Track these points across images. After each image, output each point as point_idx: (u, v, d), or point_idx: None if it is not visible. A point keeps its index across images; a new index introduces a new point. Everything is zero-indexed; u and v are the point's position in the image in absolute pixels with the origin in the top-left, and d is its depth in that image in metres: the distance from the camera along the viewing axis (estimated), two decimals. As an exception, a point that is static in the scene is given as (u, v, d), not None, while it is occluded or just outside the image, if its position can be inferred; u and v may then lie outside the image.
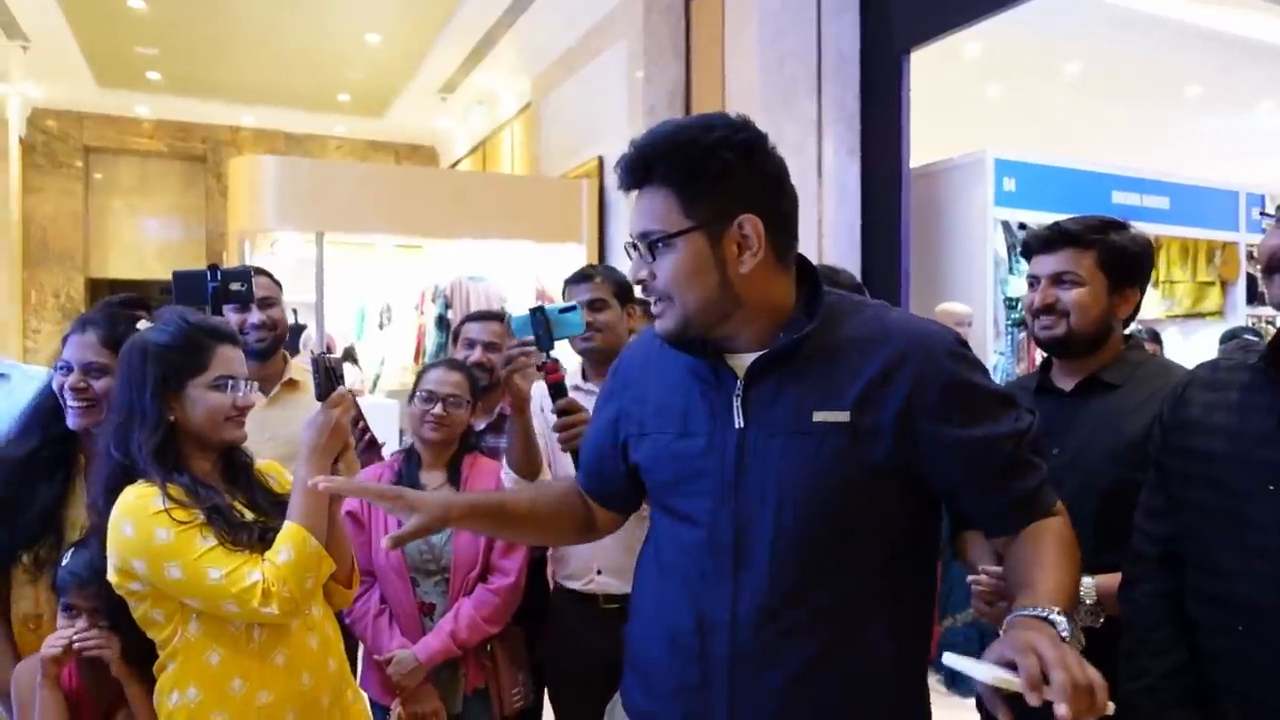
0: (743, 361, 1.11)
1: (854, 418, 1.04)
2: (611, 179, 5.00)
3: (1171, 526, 1.23)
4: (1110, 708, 0.83)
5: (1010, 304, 4.29)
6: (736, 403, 1.09)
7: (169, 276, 1.99)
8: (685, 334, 1.10)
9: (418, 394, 2.05)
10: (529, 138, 6.33)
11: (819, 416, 1.05)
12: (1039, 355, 4.27)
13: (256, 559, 1.35)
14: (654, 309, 1.12)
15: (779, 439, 1.06)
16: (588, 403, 1.73)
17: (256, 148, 8.71)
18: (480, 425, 2.28)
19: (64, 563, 1.47)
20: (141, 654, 1.42)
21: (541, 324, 1.66)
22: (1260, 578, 1.10)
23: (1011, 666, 0.85)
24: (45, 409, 1.60)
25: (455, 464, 2.05)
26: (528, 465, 1.84)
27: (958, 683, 2.73)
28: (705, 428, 1.11)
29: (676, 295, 1.07)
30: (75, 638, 1.41)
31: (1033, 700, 0.82)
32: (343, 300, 5.72)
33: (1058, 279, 1.52)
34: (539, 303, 1.75)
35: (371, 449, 2.24)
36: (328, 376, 1.45)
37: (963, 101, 5.45)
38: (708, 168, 1.04)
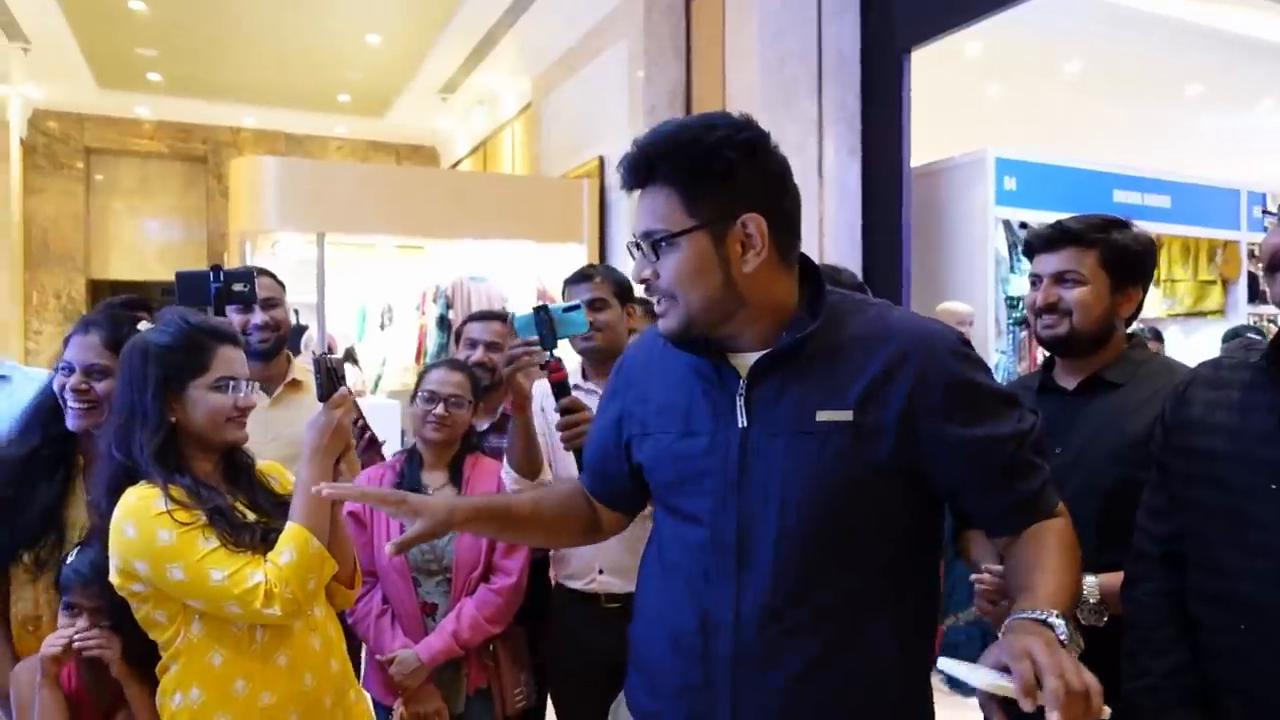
0: (745, 361, 1.11)
1: (857, 417, 1.04)
2: (612, 179, 5.00)
3: (1173, 525, 1.23)
4: (1106, 712, 0.83)
5: (1011, 303, 4.29)
6: (740, 402, 1.09)
7: (170, 277, 1.99)
8: (689, 333, 1.10)
9: (419, 394, 2.05)
10: (530, 138, 6.33)
11: (822, 416, 1.05)
12: (1040, 354, 4.26)
13: (259, 560, 1.35)
14: (657, 308, 1.11)
15: (782, 438, 1.06)
16: (588, 403, 1.73)
17: (257, 148, 8.71)
18: (483, 425, 2.28)
19: (69, 561, 1.47)
20: (142, 655, 1.42)
21: (545, 323, 1.66)
22: (1262, 576, 1.10)
23: (1008, 671, 0.85)
24: (45, 409, 1.60)
25: (457, 464, 2.05)
26: (529, 464, 1.84)
27: (958, 683, 2.72)
28: (708, 427, 1.11)
29: (680, 294, 1.07)
30: (76, 637, 1.41)
31: (1027, 706, 0.82)
32: (344, 301, 5.72)
33: (1060, 278, 1.52)
34: (542, 302, 1.75)
35: (372, 448, 2.24)
36: (329, 377, 1.46)
37: (963, 101, 5.45)
38: (711, 167, 1.04)
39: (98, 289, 8.38)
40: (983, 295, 4.19)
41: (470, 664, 1.98)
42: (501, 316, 2.37)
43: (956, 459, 1.07)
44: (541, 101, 6.01)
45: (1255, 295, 5.33)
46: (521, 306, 1.77)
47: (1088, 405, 1.51)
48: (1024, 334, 4.31)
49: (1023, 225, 4.30)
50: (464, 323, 2.46)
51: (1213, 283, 5.30)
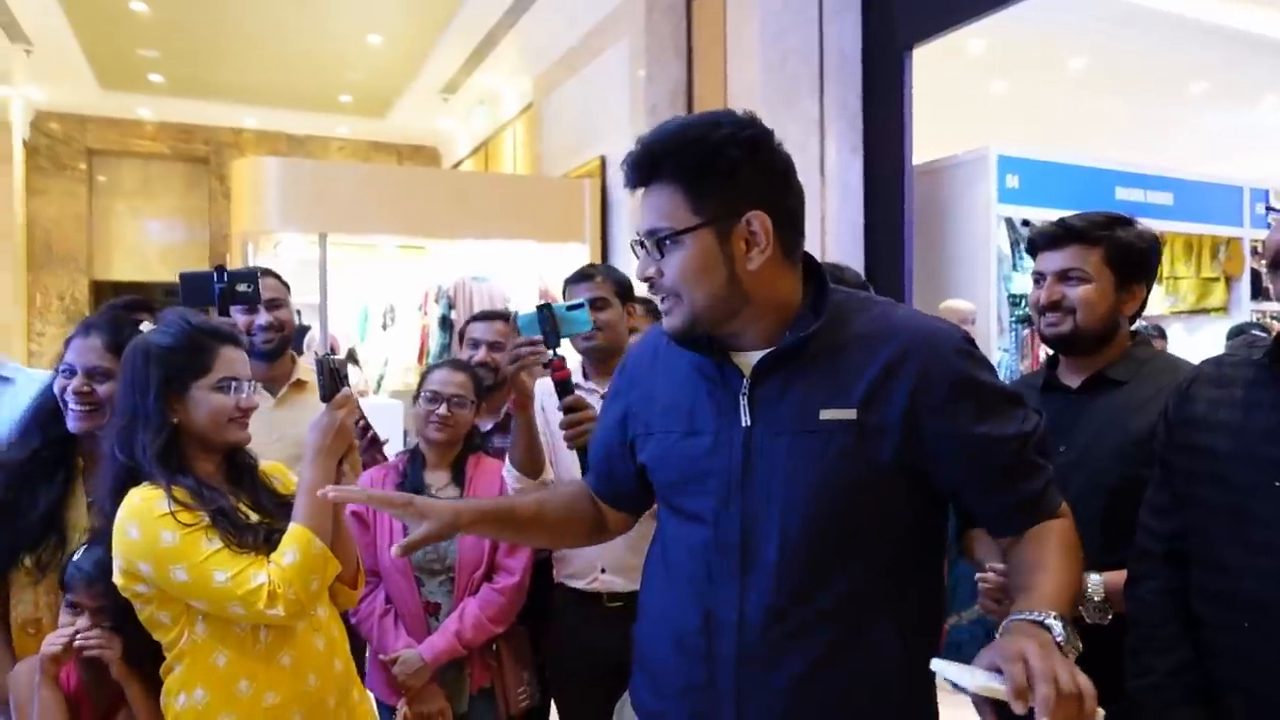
0: (749, 359, 1.10)
1: (860, 415, 1.04)
2: (614, 178, 5.00)
3: (1176, 523, 1.23)
4: (1100, 715, 0.83)
5: (1014, 301, 4.28)
6: (743, 401, 1.09)
7: (172, 278, 1.99)
8: (693, 331, 1.10)
9: (422, 394, 2.05)
10: (531, 138, 6.33)
11: (826, 414, 1.05)
12: (1043, 352, 4.25)
13: (262, 561, 1.35)
14: (661, 306, 1.11)
15: (785, 437, 1.06)
16: (588, 402, 1.73)
17: (259, 149, 8.72)
18: (487, 426, 2.28)
19: (75, 558, 1.47)
20: (145, 655, 1.43)
21: (548, 321, 1.66)
22: (1265, 574, 1.10)
23: (1001, 673, 0.85)
24: (45, 411, 1.60)
25: (460, 464, 2.06)
26: (531, 463, 1.84)
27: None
28: (711, 426, 1.11)
29: (685, 292, 1.07)
30: (78, 637, 1.41)
31: (1018, 709, 0.82)
32: (346, 301, 5.72)
33: (1064, 276, 1.52)
34: (545, 300, 1.75)
35: (374, 447, 2.24)
36: (332, 378, 1.46)
37: (965, 98, 5.45)
38: (716, 165, 1.04)
39: (100, 290, 8.39)
40: (985, 293, 4.18)
41: (473, 663, 1.99)
42: (505, 316, 2.37)
43: (959, 457, 1.06)
44: (543, 101, 6.01)
45: (1258, 292, 5.32)
46: (524, 306, 1.77)
47: (1092, 403, 1.51)
48: (1026, 332, 4.30)
49: (1025, 223, 4.29)
50: (467, 322, 2.46)
51: (1216, 280, 5.29)
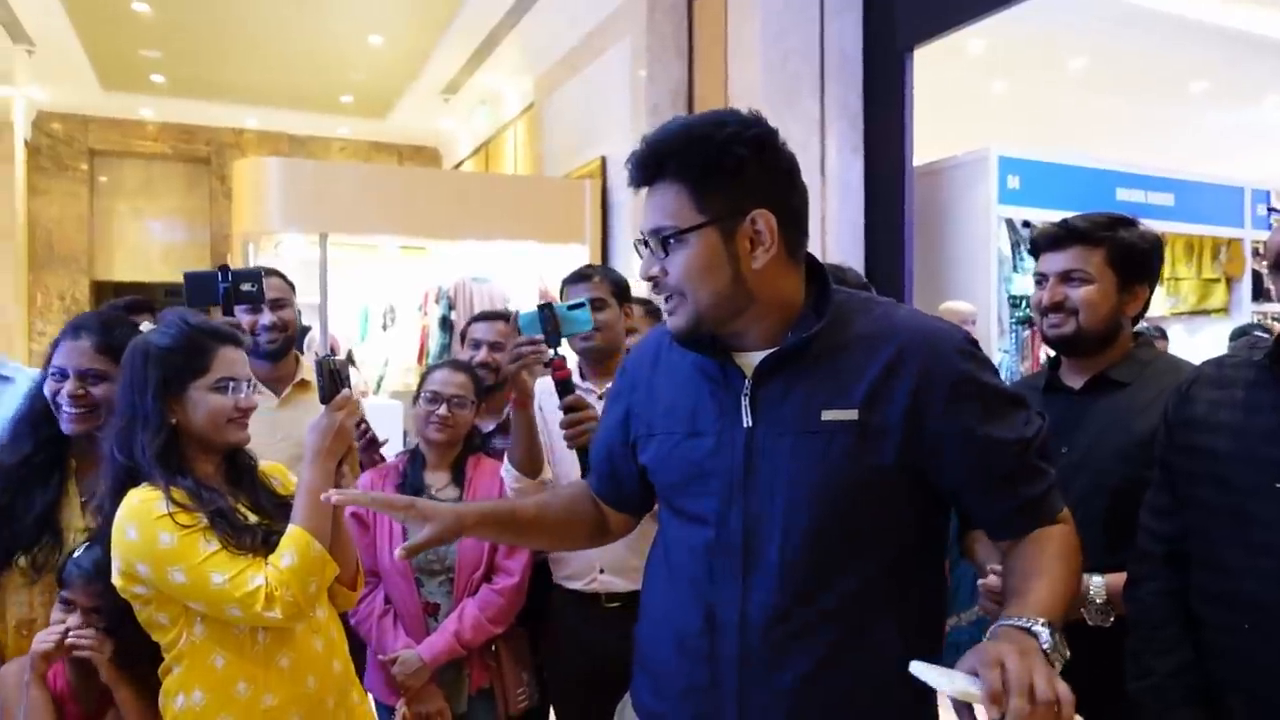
0: (751, 360, 1.10)
1: (862, 416, 1.04)
2: (615, 179, 5.00)
3: (1177, 524, 1.23)
4: None
5: (1014, 302, 4.28)
6: (745, 402, 1.08)
7: (174, 278, 2.00)
8: (698, 331, 1.09)
9: (422, 395, 2.05)
10: (532, 138, 6.33)
11: (827, 415, 1.05)
12: (1043, 353, 4.24)
13: (260, 563, 1.35)
14: (665, 306, 1.11)
15: (788, 438, 1.06)
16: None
17: (260, 150, 8.73)
18: (489, 427, 2.28)
19: (75, 555, 1.47)
20: (142, 656, 1.42)
21: (549, 320, 1.66)
22: (1265, 575, 1.10)
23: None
24: (36, 413, 1.59)
25: (460, 465, 2.06)
26: (530, 463, 1.84)
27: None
28: (714, 427, 1.11)
29: (689, 291, 1.07)
30: (70, 635, 1.40)
31: (991, 715, 0.82)
32: (346, 302, 5.72)
33: (1066, 277, 1.51)
34: (546, 300, 1.75)
35: (372, 447, 2.24)
36: (331, 379, 1.46)
37: (966, 99, 5.44)
38: (721, 163, 1.04)
39: (101, 290, 8.40)
40: (985, 294, 4.18)
41: (473, 664, 1.99)
42: (506, 316, 2.37)
43: (960, 458, 1.06)
44: (544, 102, 6.01)
45: (1259, 293, 5.31)
46: (524, 307, 1.77)
47: (1094, 404, 1.51)
48: (1027, 333, 4.30)
49: (1026, 224, 4.29)
50: (469, 323, 2.46)
51: (1216, 281, 5.28)
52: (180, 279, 1.99)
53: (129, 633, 1.41)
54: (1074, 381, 1.55)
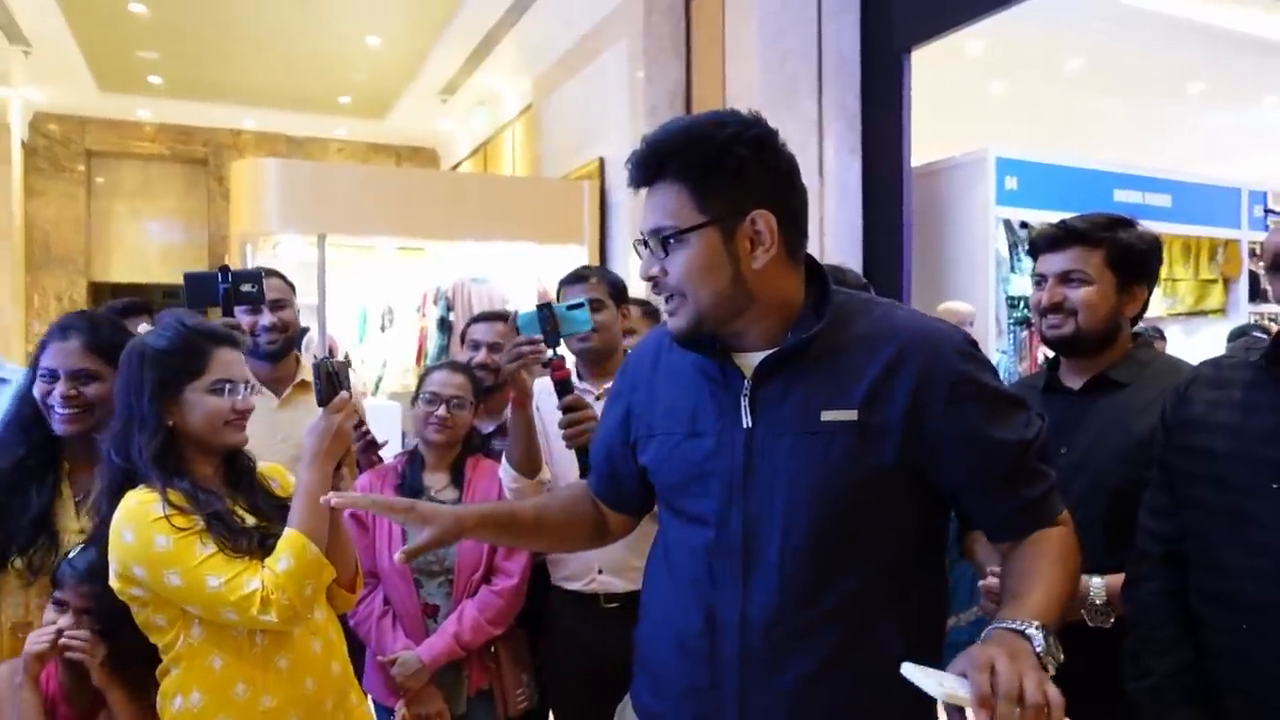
0: (750, 361, 1.10)
1: (862, 416, 1.04)
2: (613, 180, 4.99)
3: (1175, 525, 1.23)
4: None
5: (1012, 303, 4.28)
6: (744, 402, 1.08)
7: (171, 280, 2.01)
8: (698, 331, 1.09)
9: (421, 396, 2.05)
10: (530, 139, 6.33)
11: (827, 415, 1.05)
12: (1041, 354, 4.24)
13: (256, 566, 1.34)
14: (666, 307, 1.11)
15: (787, 438, 1.06)
16: None
17: (258, 151, 8.72)
18: (489, 428, 2.28)
19: (70, 556, 1.46)
20: (139, 658, 1.42)
21: (549, 321, 1.66)
22: (1264, 576, 1.10)
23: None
24: (26, 417, 1.57)
25: (459, 466, 2.06)
26: (529, 462, 1.84)
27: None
28: (713, 428, 1.11)
29: (689, 291, 1.07)
30: (64, 635, 1.40)
31: (980, 718, 0.82)
32: (345, 303, 5.72)
33: (1065, 277, 1.52)
34: (545, 300, 1.75)
35: (371, 449, 2.24)
36: (329, 382, 1.45)
37: (964, 100, 5.45)
38: (722, 164, 1.04)
39: (99, 291, 8.39)
40: (983, 295, 4.19)
41: (472, 665, 1.98)
42: (505, 317, 2.37)
43: (959, 458, 1.06)
44: (542, 102, 6.01)
45: (1256, 294, 5.33)
46: (523, 308, 1.77)
47: (1094, 405, 1.51)
48: (1025, 334, 4.30)
49: (1024, 225, 4.30)
50: (468, 324, 2.46)
51: (1214, 282, 5.29)
52: (178, 280, 1.99)
53: (126, 634, 1.41)
54: (1073, 382, 1.55)
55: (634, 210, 4.45)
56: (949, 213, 4.37)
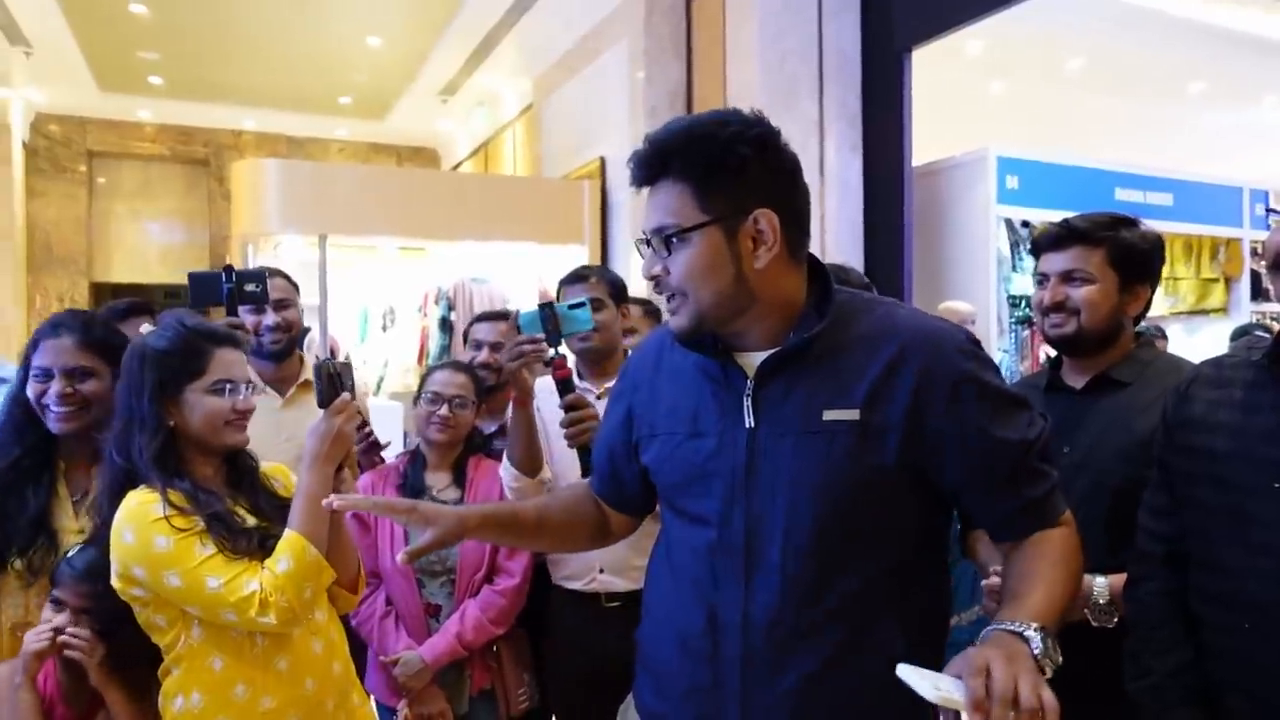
0: (752, 360, 1.10)
1: (864, 415, 1.04)
2: (613, 180, 4.98)
3: (1176, 525, 1.23)
4: None
5: (1013, 302, 4.28)
6: (747, 402, 1.08)
7: (172, 280, 2.01)
8: (700, 330, 1.09)
9: (423, 396, 2.05)
10: (530, 139, 6.33)
11: (829, 415, 1.05)
12: (1043, 353, 4.24)
13: (255, 567, 1.34)
14: (668, 306, 1.11)
15: (789, 438, 1.06)
16: None
17: (258, 151, 8.73)
18: (491, 428, 2.28)
19: (69, 555, 1.46)
20: (140, 658, 1.42)
21: (550, 320, 1.67)
22: (1265, 575, 1.10)
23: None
24: (19, 417, 1.57)
25: (460, 465, 2.06)
26: (529, 461, 1.84)
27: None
28: (715, 428, 1.11)
29: (691, 290, 1.07)
30: (63, 635, 1.39)
31: None
32: (346, 303, 5.72)
33: (1067, 276, 1.51)
34: (547, 299, 1.75)
35: (373, 450, 2.24)
36: (330, 383, 1.45)
37: (965, 99, 5.44)
38: (724, 163, 1.04)
39: (100, 292, 8.39)
40: (984, 294, 4.18)
41: (474, 665, 1.99)
42: (508, 316, 2.37)
43: (961, 457, 1.06)
44: (542, 102, 6.01)
45: (1258, 293, 5.32)
46: (524, 307, 1.78)
47: (1096, 404, 1.51)
48: (1026, 333, 4.30)
49: (1024, 224, 4.29)
50: (471, 323, 2.46)
51: (1215, 281, 5.29)
52: (179, 280, 2.00)
53: (127, 634, 1.41)
54: (1075, 381, 1.55)
55: (635, 210, 4.45)
56: (950, 212, 4.37)
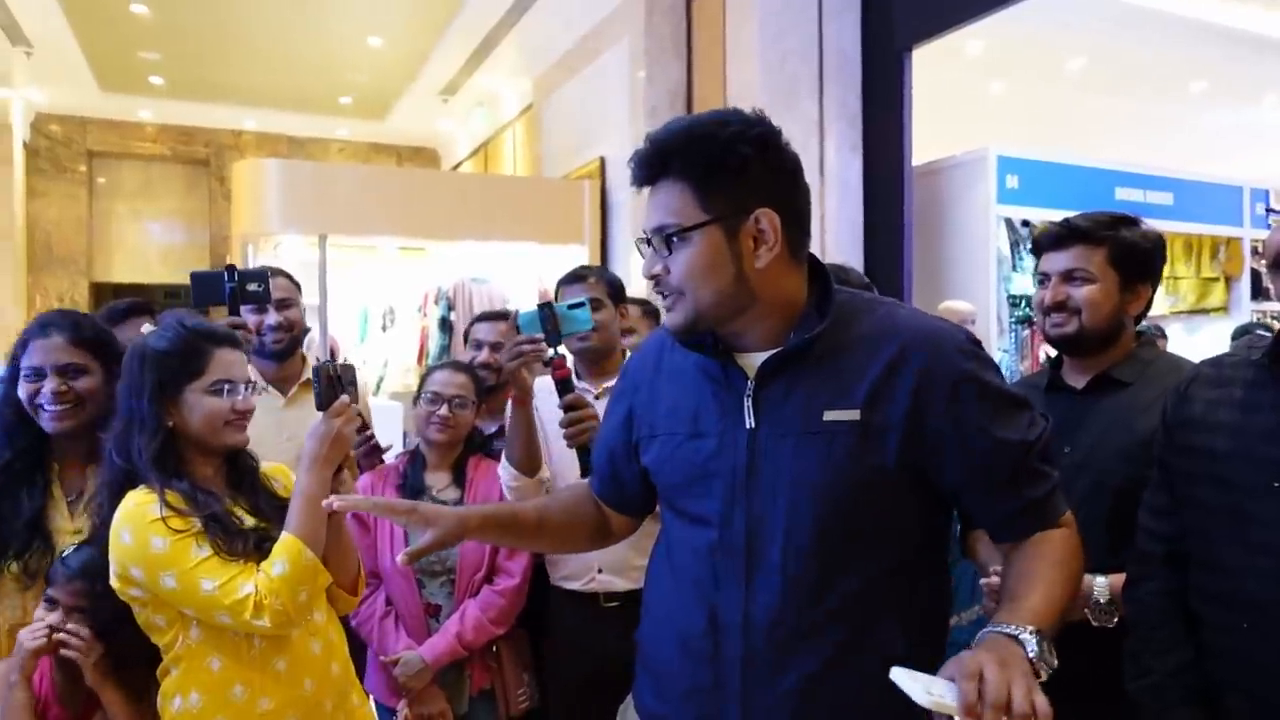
0: (753, 361, 1.10)
1: (864, 416, 1.04)
2: (613, 180, 4.98)
3: (1175, 525, 1.23)
4: None
5: (1013, 301, 4.28)
6: (747, 403, 1.08)
7: (173, 280, 2.01)
8: (695, 329, 1.09)
9: (423, 396, 2.05)
10: (531, 139, 6.33)
11: (830, 415, 1.04)
12: (1043, 353, 4.23)
13: (251, 569, 1.34)
14: (664, 304, 1.11)
15: (790, 439, 1.06)
16: None
17: (259, 151, 8.73)
18: (491, 429, 2.28)
19: (65, 554, 1.46)
20: (137, 659, 1.42)
21: (549, 320, 1.66)
22: (1264, 574, 1.10)
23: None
24: (9, 419, 1.56)
25: (460, 465, 2.06)
26: (528, 460, 1.84)
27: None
28: (716, 428, 1.10)
29: (690, 289, 1.06)
30: (60, 634, 1.39)
31: None
32: (346, 303, 5.72)
33: (1069, 276, 1.51)
34: (546, 299, 1.75)
35: (374, 454, 2.23)
36: (329, 385, 1.44)
37: (965, 99, 5.44)
38: (725, 162, 1.04)
39: (100, 292, 8.40)
40: (984, 294, 4.18)
41: (474, 665, 1.99)
42: (508, 316, 2.37)
43: (961, 458, 1.06)
44: (542, 103, 6.01)
45: (1258, 292, 5.31)
46: (524, 307, 1.78)
47: (1097, 404, 1.50)
48: (1026, 333, 4.30)
49: (1025, 223, 4.29)
50: (472, 323, 2.46)
51: (1215, 280, 5.28)
52: (179, 280, 2.00)
53: (127, 634, 1.41)
54: (1076, 381, 1.55)
55: (635, 210, 4.45)
56: (950, 211, 4.37)
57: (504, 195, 5.21)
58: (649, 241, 1.09)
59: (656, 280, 1.10)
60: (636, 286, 3.14)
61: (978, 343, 1.11)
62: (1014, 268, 4.28)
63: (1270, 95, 6.24)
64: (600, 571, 1.90)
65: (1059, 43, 5.16)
